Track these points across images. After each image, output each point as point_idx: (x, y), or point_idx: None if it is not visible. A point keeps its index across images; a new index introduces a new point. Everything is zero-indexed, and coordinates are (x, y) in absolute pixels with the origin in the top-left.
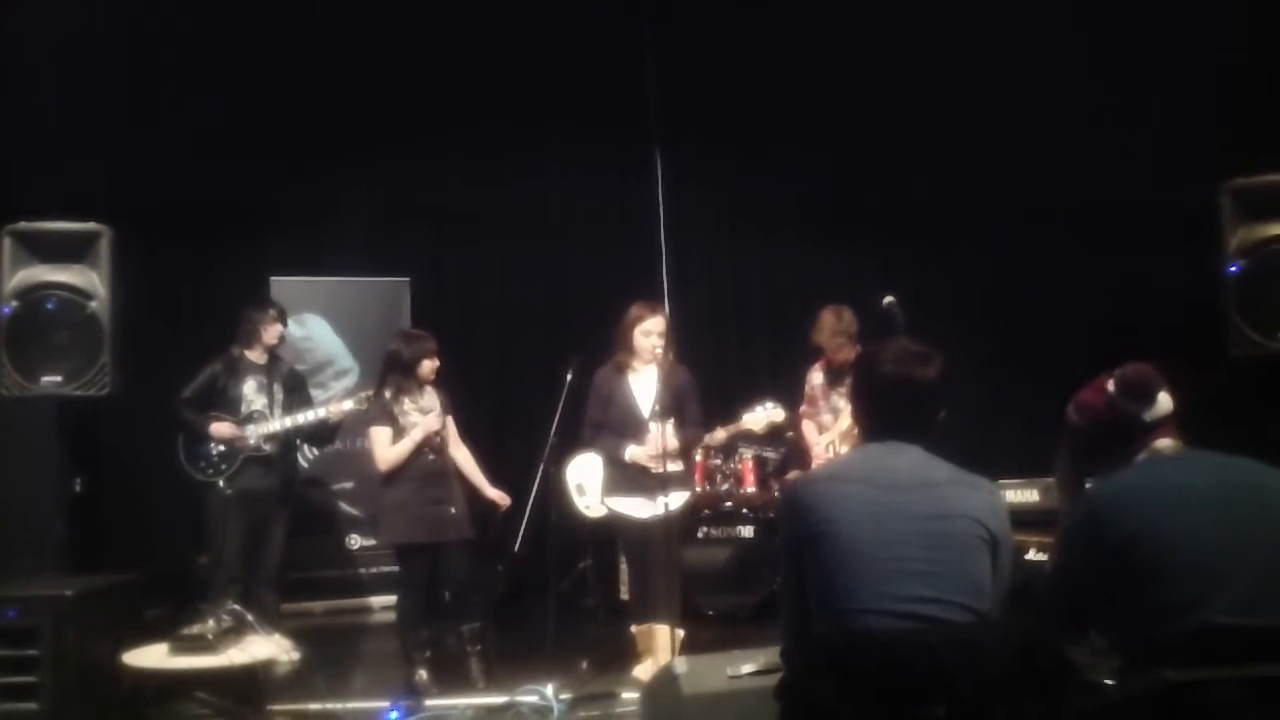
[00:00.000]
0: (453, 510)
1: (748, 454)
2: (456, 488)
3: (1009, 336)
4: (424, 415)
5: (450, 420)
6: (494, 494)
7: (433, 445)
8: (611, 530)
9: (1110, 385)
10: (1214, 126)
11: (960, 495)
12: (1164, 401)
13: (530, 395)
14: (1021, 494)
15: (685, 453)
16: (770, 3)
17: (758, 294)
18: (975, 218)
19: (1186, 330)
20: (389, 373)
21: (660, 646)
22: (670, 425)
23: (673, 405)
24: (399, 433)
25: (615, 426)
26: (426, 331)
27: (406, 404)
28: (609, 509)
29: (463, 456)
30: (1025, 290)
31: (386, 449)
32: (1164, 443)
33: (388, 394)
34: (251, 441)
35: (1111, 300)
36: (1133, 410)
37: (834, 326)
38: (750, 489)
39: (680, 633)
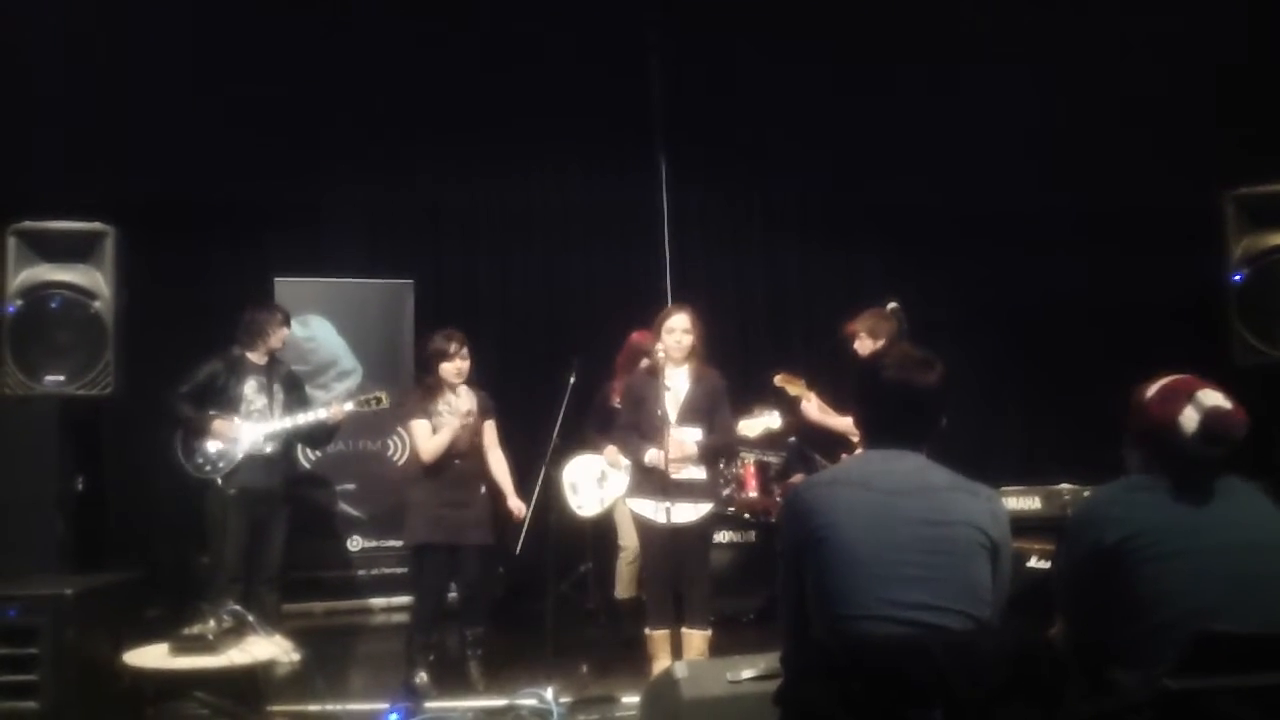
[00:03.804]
0: (471, 516)
1: (749, 459)
2: (480, 492)
3: (1012, 343)
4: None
5: (491, 424)
6: (514, 504)
7: (460, 450)
8: (619, 528)
9: (1194, 414)
10: (1218, 132)
11: (960, 502)
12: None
13: (533, 397)
14: (1023, 501)
15: (714, 459)
16: (773, 5)
17: (761, 296)
18: (978, 223)
19: (1188, 337)
20: (422, 372)
21: (693, 650)
22: (699, 430)
23: (704, 409)
24: (435, 429)
25: (642, 429)
26: (457, 333)
27: (440, 403)
28: (632, 511)
29: (496, 460)
30: (1029, 297)
31: (427, 439)
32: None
33: (421, 391)
34: (253, 440)
35: (1114, 307)
36: (1197, 451)
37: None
38: (752, 493)
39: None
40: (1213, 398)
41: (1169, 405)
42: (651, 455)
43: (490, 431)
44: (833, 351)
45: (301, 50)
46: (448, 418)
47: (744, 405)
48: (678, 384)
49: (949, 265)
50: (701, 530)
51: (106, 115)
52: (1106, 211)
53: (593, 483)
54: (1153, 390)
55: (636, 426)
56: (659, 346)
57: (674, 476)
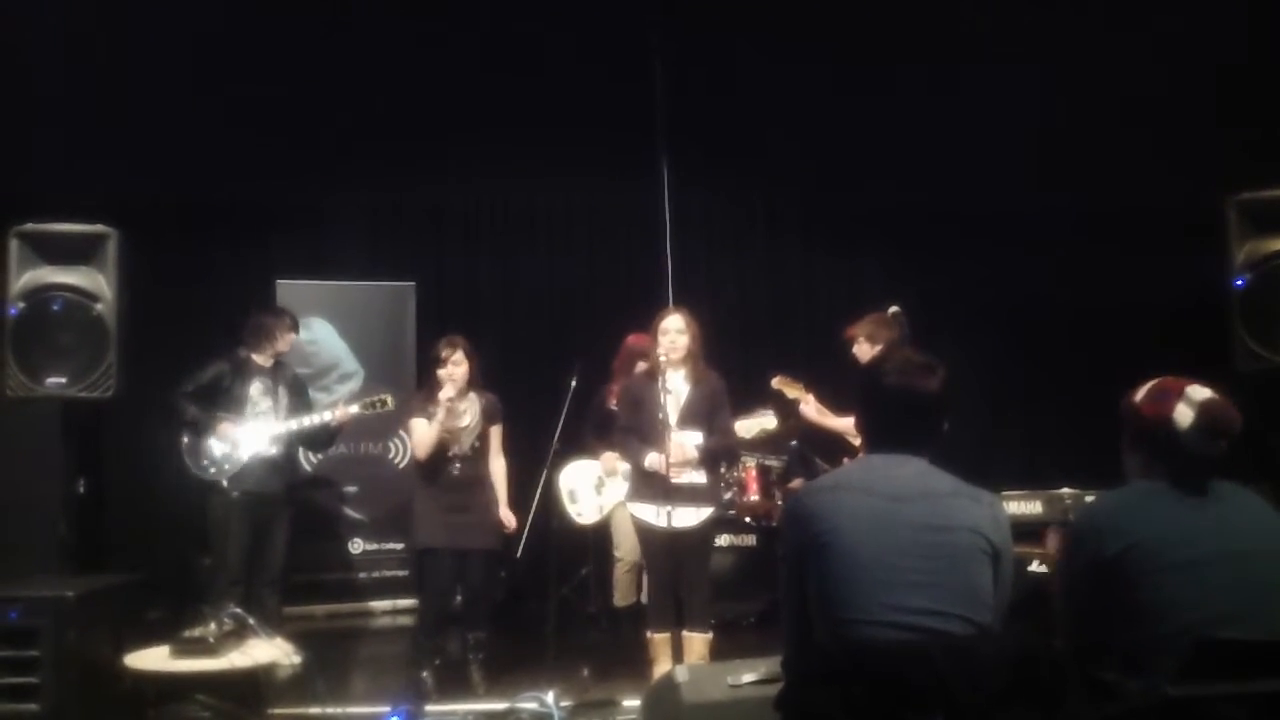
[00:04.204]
0: (475, 520)
1: (750, 462)
2: (483, 498)
3: (1013, 346)
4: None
5: (496, 431)
6: (504, 514)
7: (460, 454)
8: (615, 536)
9: (1187, 409)
10: (1218, 133)
11: (962, 507)
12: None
13: (534, 400)
14: (1024, 505)
15: (715, 463)
16: (775, 6)
17: (762, 299)
18: (980, 224)
19: (1189, 339)
20: (426, 375)
21: (694, 654)
22: (699, 434)
23: (704, 412)
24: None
25: (642, 433)
26: (459, 339)
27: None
28: (632, 515)
29: (497, 468)
30: (1030, 300)
31: (420, 435)
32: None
33: (425, 393)
34: (257, 442)
35: (1115, 309)
36: (1196, 446)
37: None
38: (753, 497)
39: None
40: (1202, 392)
41: (1161, 404)
42: (652, 459)
43: (495, 437)
44: (835, 355)
45: (302, 50)
46: (439, 414)
47: (743, 408)
48: (677, 387)
49: (950, 267)
50: (702, 534)
51: (107, 115)
52: (1106, 212)
53: (590, 490)
54: (1142, 392)
55: (636, 430)
56: (659, 350)
57: (675, 481)
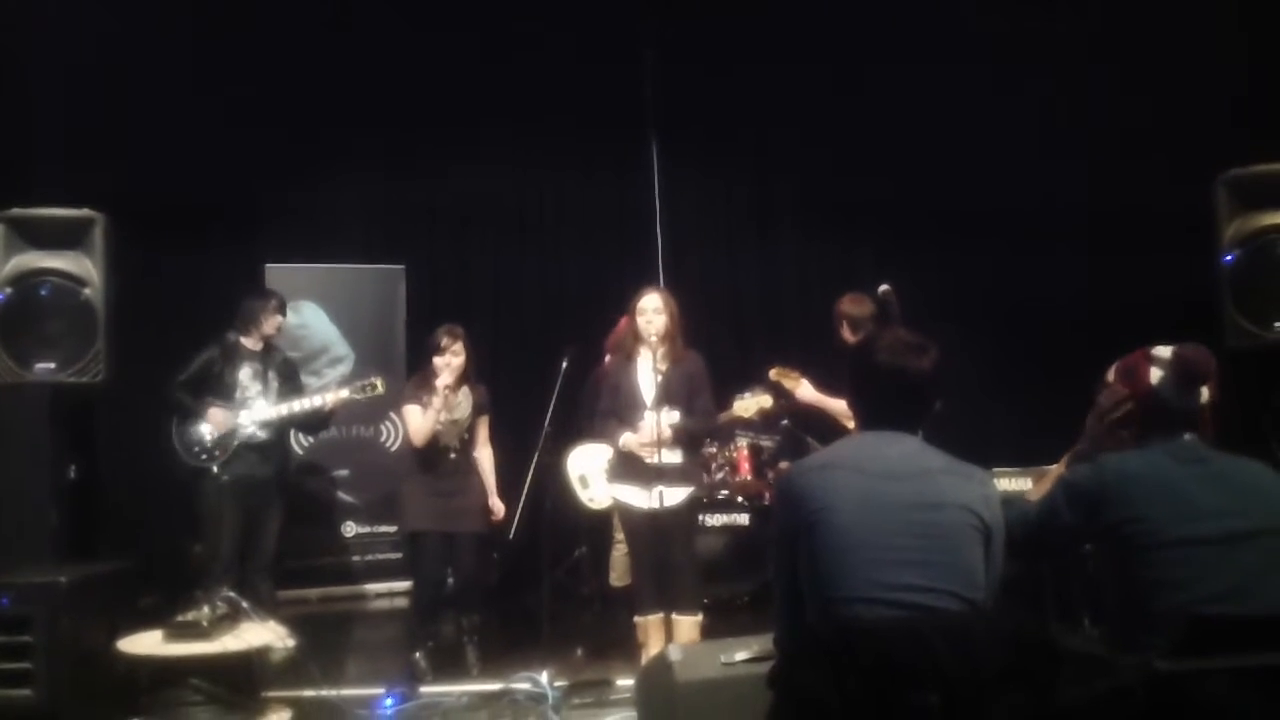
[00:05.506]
0: (464, 503)
1: (743, 442)
2: (473, 484)
3: (1004, 326)
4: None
5: (484, 421)
6: (494, 502)
7: (452, 445)
8: (616, 518)
9: (1160, 364)
10: (1209, 119)
11: (954, 485)
12: (1204, 393)
13: (525, 384)
14: (1016, 483)
15: (692, 443)
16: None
17: (754, 288)
18: (971, 211)
19: (1181, 320)
20: (421, 359)
21: (683, 636)
22: (676, 414)
23: (682, 393)
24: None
25: (621, 414)
26: (457, 329)
27: (434, 395)
28: (613, 496)
29: (485, 457)
30: (1020, 280)
31: (415, 422)
32: (1187, 437)
33: (419, 379)
34: (247, 428)
35: (1107, 289)
36: (1176, 400)
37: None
38: (746, 477)
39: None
40: (1165, 349)
41: (1137, 376)
42: (626, 439)
43: (483, 427)
44: (828, 343)
45: (296, 39)
46: (436, 403)
47: (737, 394)
48: (655, 367)
49: (944, 257)
50: (682, 515)
51: (98, 104)
52: (1100, 197)
53: (602, 474)
54: (1111, 376)
55: (616, 412)
56: (636, 329)
57: (650, 461)
